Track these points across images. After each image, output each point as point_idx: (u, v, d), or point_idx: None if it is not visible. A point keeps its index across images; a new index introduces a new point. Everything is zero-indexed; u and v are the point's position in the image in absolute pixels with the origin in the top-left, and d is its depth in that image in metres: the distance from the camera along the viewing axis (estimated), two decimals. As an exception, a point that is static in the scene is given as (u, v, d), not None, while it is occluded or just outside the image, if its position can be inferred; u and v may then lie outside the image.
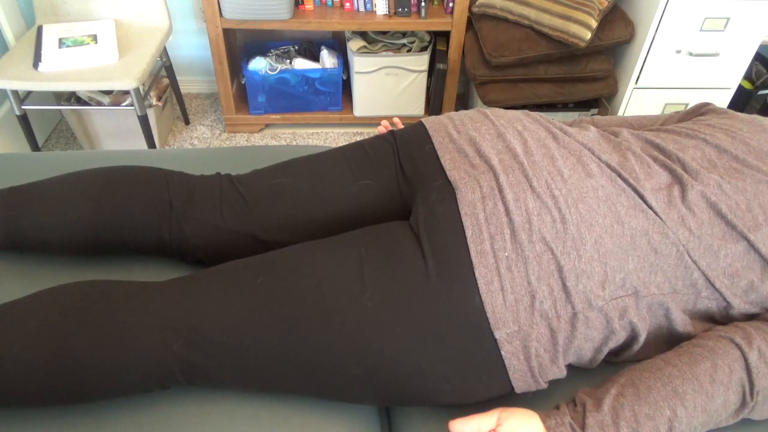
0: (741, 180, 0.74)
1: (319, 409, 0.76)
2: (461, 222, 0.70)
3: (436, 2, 2.08)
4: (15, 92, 1.73)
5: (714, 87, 1.98)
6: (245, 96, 2.30)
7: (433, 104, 2.23)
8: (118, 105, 1.93)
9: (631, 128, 0.98)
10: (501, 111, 0.87)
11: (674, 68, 1.92)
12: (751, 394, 0.66)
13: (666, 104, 2.03)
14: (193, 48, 2.35)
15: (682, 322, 0.72)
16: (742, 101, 2.17)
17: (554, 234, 0.68)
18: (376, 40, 2.16)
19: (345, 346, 0.67)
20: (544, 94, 1.98)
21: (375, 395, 0.70)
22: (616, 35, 1.87)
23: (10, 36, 1.87)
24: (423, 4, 1.99)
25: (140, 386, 0.70)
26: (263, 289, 0.70)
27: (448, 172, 0.77)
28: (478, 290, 0.65)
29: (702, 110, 0.94)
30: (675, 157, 0.77)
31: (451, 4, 1.99)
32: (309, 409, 0.76)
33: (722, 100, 2.02)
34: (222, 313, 0.69)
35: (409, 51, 2.12)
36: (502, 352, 0.66)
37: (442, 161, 0.79)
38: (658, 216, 0.71)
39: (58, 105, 1.97)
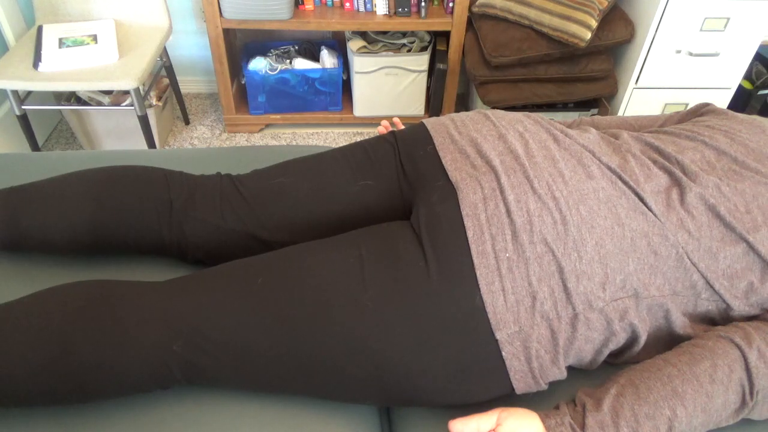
0: (740, 182, 0.74)
1: (319, 409, 0.76)
2: (462, 222, 0.70)
3: (436, 2, 2.08)
4: (15, 92, 1.73)
5: (714, 87, 1.98)
6: (245, 96, 2.30)
7: (433, 104, 2.23)
8: (118, 105, 1.93)
9: (630, 128, 0.99)
10: (502, 112, 0.87)
11: (674, 68, 1.92)
12: (751, 394, 0.66)
13: (666, 104, 2.03)
14: (193, 48, 2.35)
15: (681, 324, 0.72)
16: (742, 101, 2.17)
17: (555, 235, 0.68)
18: (376, 40, 2.16)
19: (345, 346, 0.67)
20: (545, 94, 1.98)
21: (375, 395, 0.70)
22: (616, 35, 1.87)
23: (10, 36, 1.87)
24: (423, 4, 1.99)
25: (140, 386, 0.70)
26: (263, 289, 0.70)
27: (449, 173, 0.77)
28: (479, 291, 0.66)
29: (701, 111, 0.95)
30: (674, 159, 0.77)
31: (451, 4, 1.99)
32: (309, 409, 0.76)
33: (722, 100, 2.02)
34: (222, 313, 0.69)
35: (409, 51, 2.13)
36: (503, 353, 0.66)
37: (443, 162, 0.79)
38: (658, 218, 0.71)
39: (58, 105, 1.97)
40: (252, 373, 0.70)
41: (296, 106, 2.22)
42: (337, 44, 2.25)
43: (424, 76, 2.15)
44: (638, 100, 2.00)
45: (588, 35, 1.77)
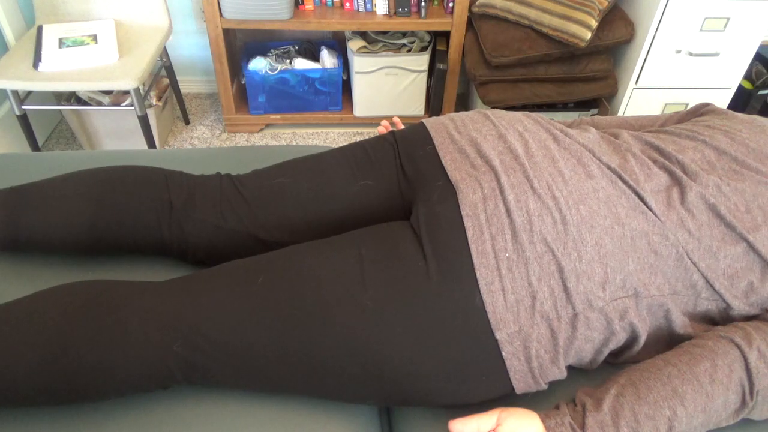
0: (740, 181, 0.74)
1: (319, 409, 0.76)
2: (462, 222, 0.70)
3: (436, 2, 2.08)
4: (15, 92, 1.73)
5: (714, 87, 1.98)
6: (245, 96, 2.30)
7: (433, 104, 2.23)
8: (118, 105, 1.93)
9: (630, 128, 0.99)
10: (502, 112, 0.87)
11: (674, 68, 1.92)
12: (751, 394, 0.66)
13: (666, 104, 2.03)
14: (193, 48, 2.35)
15: (682, 324, 0.72)
16: (742, 101, 2.17)
17: (555, 235, 0.68)
18: (376, 40, 2.16)
19: (345, 346, 0.67)
20: (545, 94, 1.98)
21: (375, 395, 0.70)
22: (616, 35, 1.87)
23: (10, 36, 1.87)
24: (423, 4, 1.99)
25: (140, 386, 0.70)
26: (263, 289, 0.70)
27: (449, 173, 0.77)
28: (479, 291, 0.66)
29: (702, 111, 0.95)
30: (674, 158, 0.77)
31: (451, 4, 1.99)
32: (309, 409, 0.76)
33: (722, 100, 2.02)
34: (222, 313, 0.69)
35: (409, 51, 2.13)
36: (503, 353, 0.66)
37: (443, 161, 0.79)
38: (658, 218, 0.71)
39: (58, 105, 1.97)
40: (252, 373, 0.70)
41: (296, 106, 2.22)
42: (337, 44, 2.25)
43: (424, 76, 2.15)
44: (638, 100, 2.00)
45: (588, 35, 1.77)
